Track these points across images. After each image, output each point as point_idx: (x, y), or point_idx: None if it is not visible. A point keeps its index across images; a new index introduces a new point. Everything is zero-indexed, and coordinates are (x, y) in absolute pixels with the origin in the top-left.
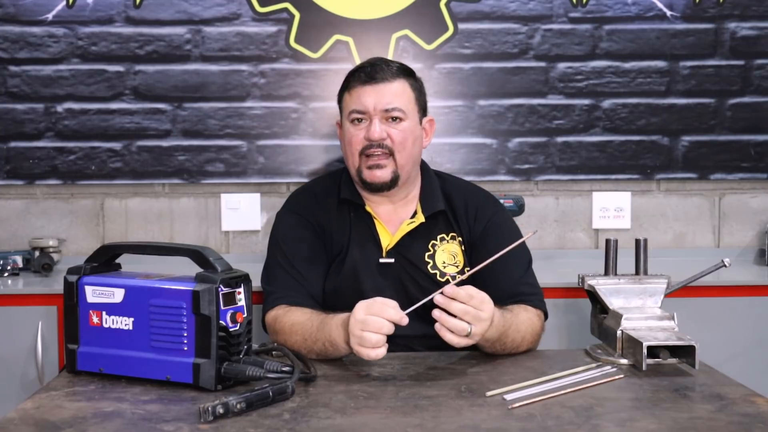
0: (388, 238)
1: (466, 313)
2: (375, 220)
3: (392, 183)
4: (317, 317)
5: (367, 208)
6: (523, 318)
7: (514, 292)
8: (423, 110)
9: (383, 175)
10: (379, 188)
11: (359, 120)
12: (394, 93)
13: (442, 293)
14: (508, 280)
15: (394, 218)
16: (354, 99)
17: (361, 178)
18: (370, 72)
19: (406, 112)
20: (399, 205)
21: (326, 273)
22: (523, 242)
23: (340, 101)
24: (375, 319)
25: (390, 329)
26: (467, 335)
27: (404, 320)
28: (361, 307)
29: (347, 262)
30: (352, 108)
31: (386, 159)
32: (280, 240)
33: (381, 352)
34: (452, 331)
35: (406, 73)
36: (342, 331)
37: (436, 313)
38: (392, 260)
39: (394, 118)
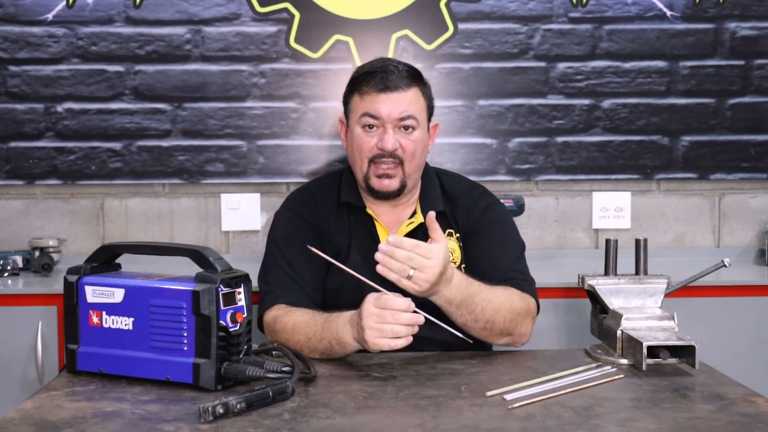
0: None
1: (410, 259)
2: (376, 222)
3: (399, 191)
4: (320, 316)
5: (368, 211)
6: (498, 292)
7: (502, 278)
8: (430, 116)
9: (391, 184)
10: (386, 196)
11: (370, 126)
12: (409, 101)
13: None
14: (498, 267)
15: (394, 220)
16: (367, 104)
17: (369, 185)
18: (384, 79)
19: (419, 121)
20: (400, 207)
21: (325, 274)
22: (516, 231)
23: (347, 102)
24: (390, 312)
25: (409, 319)
26: (408, 277)
27: (411, 305)
28: (370, 301)
29: (348, 264)
30: (365, 111)
31: (395, 169)
32: (279, 240)
33: (403, 341)
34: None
35: (418, 78)
36: (350, 329)
37: (378, 256)
38: None
39: (406, 128)
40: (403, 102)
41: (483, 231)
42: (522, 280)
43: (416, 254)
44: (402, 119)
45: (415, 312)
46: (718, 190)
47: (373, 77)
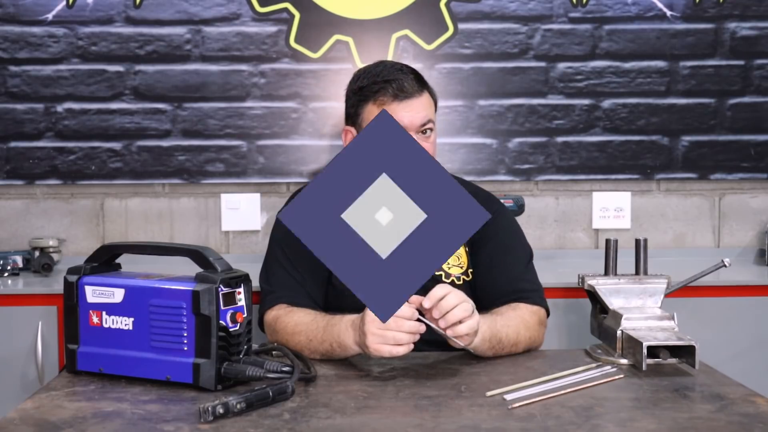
0: None
1: (451, 304)
2: None
3: None
4: (322, 318)
5: None
6: (510, 315)
7: (512, 290)
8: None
9: None
10: None
11: None
12: (424, 106)
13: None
14: (507, 277)
15: None
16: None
17: None
18: (400, 87)
19: (434, 122)
20: None
21: (327, 275)
22: (524, 238)
23: (358, 112)
24: (393, 319)
25: (412, 327)
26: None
27: (415, 313)
28: None
29: None
30: None
31: None
32: (281, 240)
33: (404, 349)
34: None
35: (424, 81)
36: (352, 332)
37: (449, 332)
38: None
39: (424, 131)
40: (421, 108)
41: (492, 239)
42: (531, 291)
43: (451, 295)
44: (423, 124)
45: (418, 320)
46: (718, 190)
47: (390, 85)
